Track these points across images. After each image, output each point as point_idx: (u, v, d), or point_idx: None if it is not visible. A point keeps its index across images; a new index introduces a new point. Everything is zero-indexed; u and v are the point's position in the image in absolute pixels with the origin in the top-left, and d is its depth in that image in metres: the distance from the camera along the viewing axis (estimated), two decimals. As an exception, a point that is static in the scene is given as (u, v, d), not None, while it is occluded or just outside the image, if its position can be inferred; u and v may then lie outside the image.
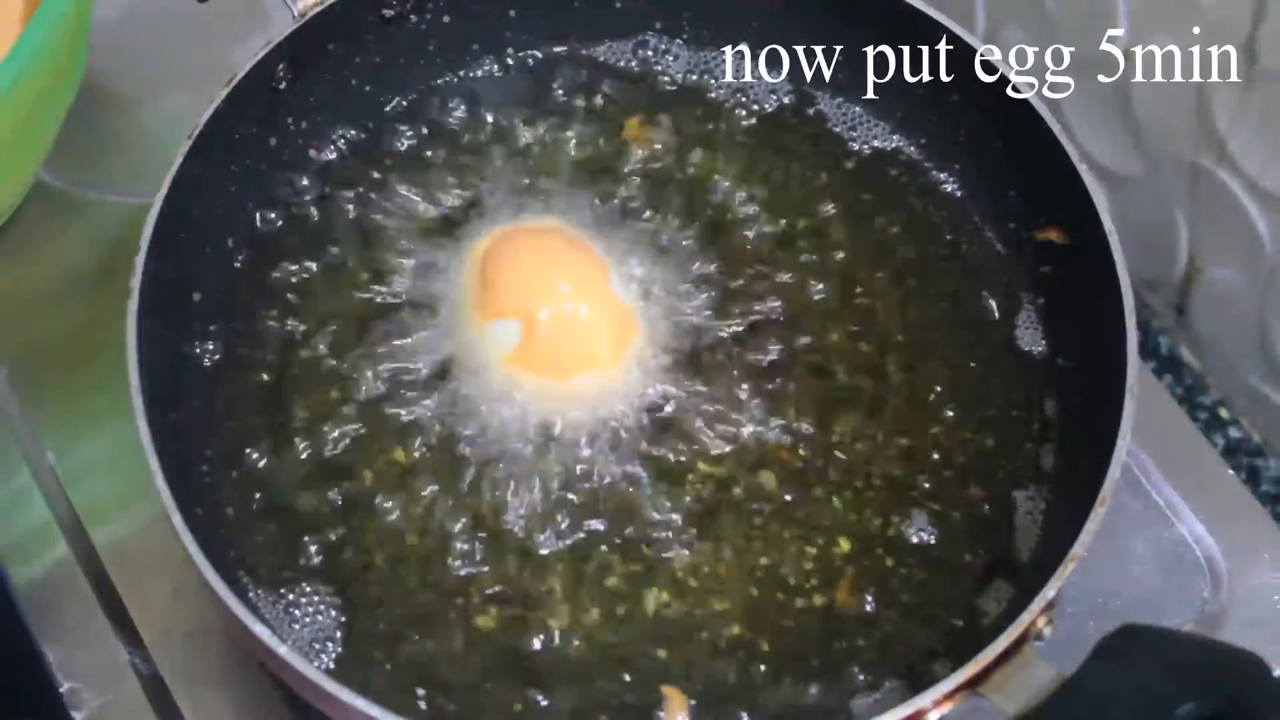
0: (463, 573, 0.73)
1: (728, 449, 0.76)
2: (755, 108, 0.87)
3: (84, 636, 0.79)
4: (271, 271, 0.81)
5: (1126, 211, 0.96)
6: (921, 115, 0.85)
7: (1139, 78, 0.93)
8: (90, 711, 0.77)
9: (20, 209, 0.91)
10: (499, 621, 0.72)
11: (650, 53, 0.88)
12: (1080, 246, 0.77)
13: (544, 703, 0.70)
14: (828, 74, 0.87)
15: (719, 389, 0.78)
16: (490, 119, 0.87)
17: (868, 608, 0.73)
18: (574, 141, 0.86)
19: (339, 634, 0.71)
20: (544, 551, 0.74)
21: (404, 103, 0.87)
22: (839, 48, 0.86)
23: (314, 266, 0.81)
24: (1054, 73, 0.99)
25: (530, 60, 0.88)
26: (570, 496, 0.75)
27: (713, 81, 0.88)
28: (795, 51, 0.87)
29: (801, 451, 0.77)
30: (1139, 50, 0.93)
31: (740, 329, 0.80)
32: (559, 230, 0.82)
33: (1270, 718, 0.58)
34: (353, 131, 0.85)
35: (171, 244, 0.74)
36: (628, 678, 0.71)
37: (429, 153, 0.85)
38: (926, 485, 0.76)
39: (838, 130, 0.86)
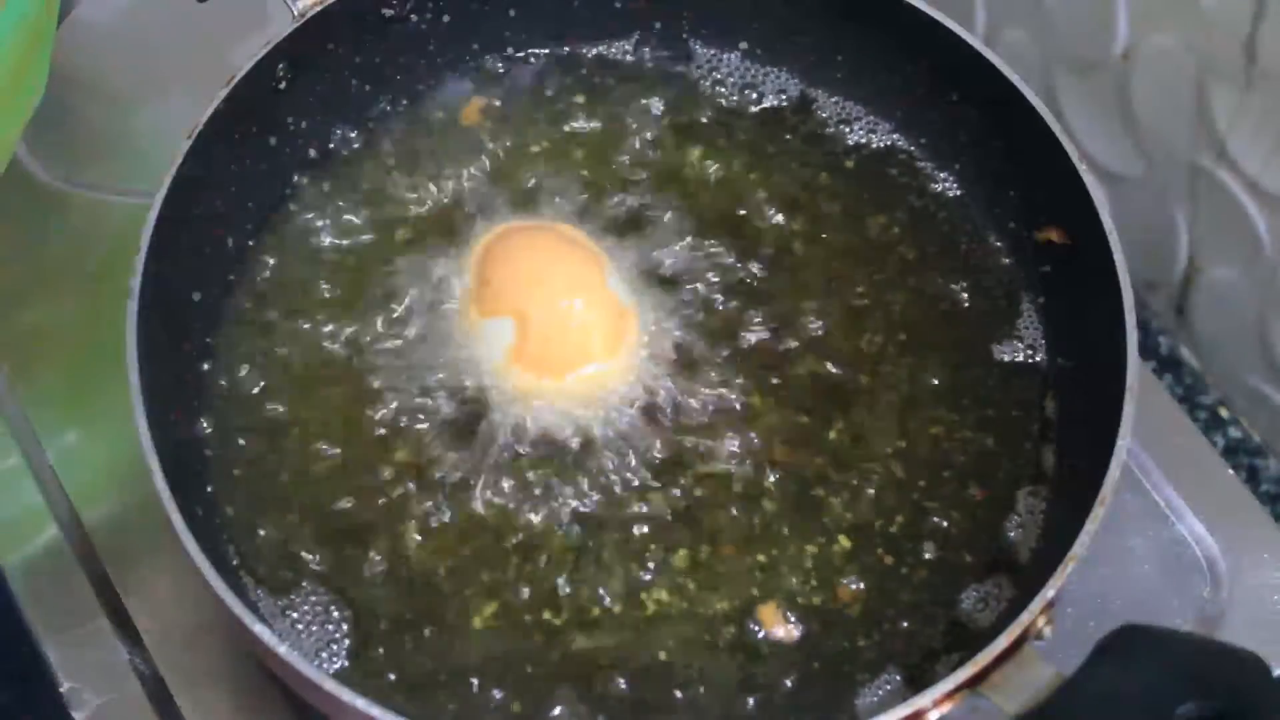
0: (462, 572, 0.73)
1: (727, 447, 0.76)
2: (755, 107, 0.87)
3: (84, 636, 0.79)
4: (272, 271, 0.81)
5: (1126, 211, 0.96)
6: (921, 115, 0.85)
7: (1139, 78, 0.93)
8: (90, 711, 0.77)
9: (19, 208, 0.91)
10: (498, 621, 0.72)
11: (650, 52, 0.88)
12: (1080, 246, 0.77)
13: (544, 702, 0.70)
14: (828, 73, 0.87)
15: (718, 387, 0.78)
16: (490, 119, 0.87)
17: (867, 608, 0.73)
18: (573, 140, 0.86)
19: (338, 633, 0.72)
20: (542, 550, 0.74)
21: (404, 102, 0.87)
22: (839, 47, 0.86)
23: (314, 265, 0.81)
24: (1054, 73, 0.99)
25: (530, 60, 0.88)
26: (568, 495, 0.75)
27: (713, 80, 0.88)
28: (795, 51, 0.87)
29: (801, 450, 0.77)
30: (1139, 50, 0.93)
31: (740, 328, 0.80)
32: (556, 228, 0.82)
33: (1270, 718, 0.58)
34: (353, 131, 0.85)
35: (171, 244, 0.74)
36: (628, 677, 0.71)
37: (429, 152, 0.85)
38: (926, 485, 0.76)
39: (837, 129, 0.86)
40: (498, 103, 0.87)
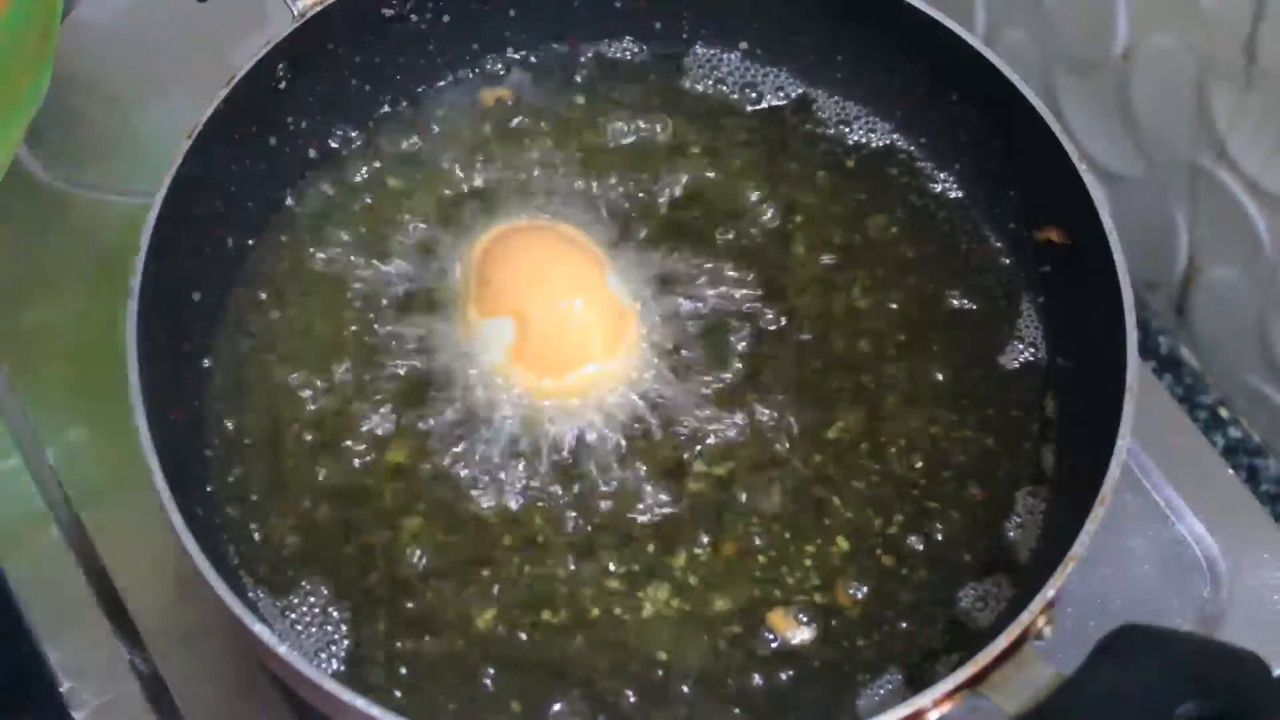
0: (461, 572, 0.73)
1: (726, 447, 0.76)
2: (755, 107, 0.87)
3: (84, 636, 0.79)
4: (271, 271, 0.81)
5: (1126, 211, 0.96)
6: (921, 115, 0.85)
7: (1139, 78, 0.94)
8: (90, 711, 0.77)
9: (19, 208, 0.91)
10: (498, 621, 0.72)
11: (650, 52, 0.88)
12: (1080, 246, 0.77)
13: (544, 702, 0.70)
14: (828, 73, 0.87)
15: (718, 387, 0.78)
16: (490, 118, 0.87)
17: (867, 608, 0.73)
18: (573, 140, 0.86)
19: (338, 634, 0.72)
20: (542, 550, 0.74)
21: (404, 102, 0.87)
22: (839, 47, 0.86)
23: (314, 266, 0.81)
24: (1054, 73, 0.99)
25: (530, 60, 0.88)
26: (569, 496, 0.75)
27: (713, 80, 0.88)
28: (795, 51, 0.87)
29: (801, 450, 0.77)
30: (1139, 50, 0.93)
31: (739, 327, 0.80)
32: (556, 228, 0.82)
33: (1270, 718, 0.58)
34: (353, 131, 0.85)
35: (171, 244, 0.74)
36: (628, 677, 0.71)
37: (428, 152, 0.85)
38: (926, 485, 0.76)
39: (837, 129, 0.86)
40: (508, 100, 0.87)
